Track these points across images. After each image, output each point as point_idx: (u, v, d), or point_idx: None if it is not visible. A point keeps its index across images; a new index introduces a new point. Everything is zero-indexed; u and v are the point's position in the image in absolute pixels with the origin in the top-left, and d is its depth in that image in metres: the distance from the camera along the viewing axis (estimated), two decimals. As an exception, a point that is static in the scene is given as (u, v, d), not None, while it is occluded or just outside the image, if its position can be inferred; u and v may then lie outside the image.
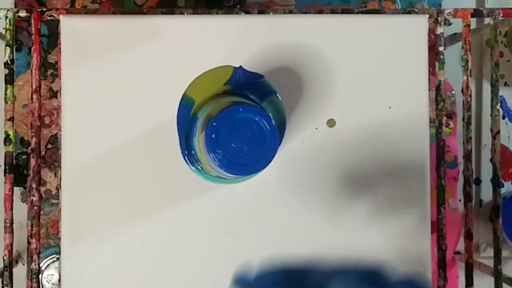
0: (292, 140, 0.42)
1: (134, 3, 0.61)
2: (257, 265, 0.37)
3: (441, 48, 0.46)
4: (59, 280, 0.42)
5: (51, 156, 0.60)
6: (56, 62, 0.61)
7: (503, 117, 0.66)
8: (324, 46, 0.43)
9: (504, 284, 0.47)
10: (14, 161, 0.44)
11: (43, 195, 0.60)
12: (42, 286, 0.59)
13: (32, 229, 0.43)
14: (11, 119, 0.44)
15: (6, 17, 0.44)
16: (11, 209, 0.44)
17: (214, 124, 0.33)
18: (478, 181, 0.65)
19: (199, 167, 0.40)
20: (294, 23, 0.43)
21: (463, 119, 0.47)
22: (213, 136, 0.34)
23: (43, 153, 0.60)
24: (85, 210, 0.41)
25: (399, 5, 0.63)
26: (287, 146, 0.42)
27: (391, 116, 0.43)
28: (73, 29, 0.42)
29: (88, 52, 0.42)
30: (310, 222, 0.42)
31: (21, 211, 0.60)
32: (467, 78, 0.46)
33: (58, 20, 0.42)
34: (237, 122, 0.34)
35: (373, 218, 0.43)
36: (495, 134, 0.47)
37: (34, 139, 0.43)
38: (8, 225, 0.43)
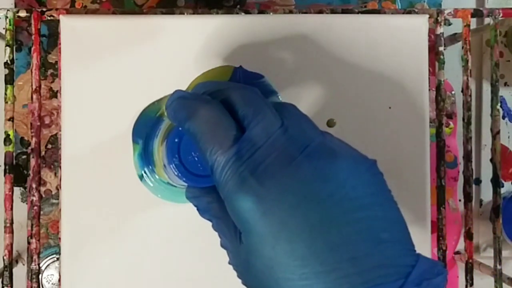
0: (292, 140, 0.42)
1: (134, 3, 0.61)
2: None
3: (441, 48, 0.46)
4: (59, 280, 0.42)
5: (51, 156, 0.60)
6: (56, 62, 0.61)
7: (503, 117, 0.66)
8: (324, 46, 0.43)
9: (504, 284, 0.47)
10: (14, 161, 0.44)
11: (43, 195, 0.60)
12: (42, 286, 0.59)
13: (32, 229, 0.43)
14: (11, 119, 0.44)
15: (6, 17, 0.44)
16: (11, 209, 0.44)
17: (180, 129, 0.33)
18: (478, 181, 0.65)
19: (152, 169, 0.39)
20: (294, 23, 0.43)
21: (463, 119, 0.47)
22: (175, 140, 0.33)
23: (43, 153, 0.60)
24: (85, 210, 0.41)
25: (399, 5, 0.63)
26: (287, 146, 0.42)
27: (391, 116, 0.43)
28: (73, 29, 0.42)
29: (88, 52, 0.42)
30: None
31: (21, 211, 0.60)
32: (467, 78, 0.46)
33: (58, 20, 0.42)
34: None
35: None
36: (495, 134, 0.47)
37: (34, 139, 0.43)
38: (8, 225, 0.43)
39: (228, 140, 0.29)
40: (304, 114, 0.31)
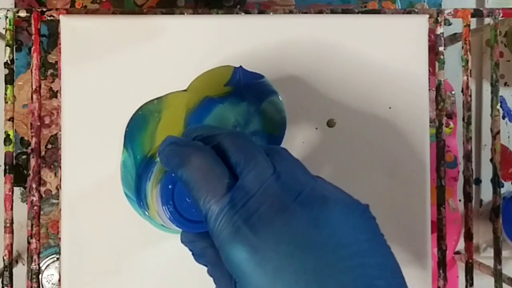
0: (292, 140, 0.42)
1: (134, 3, 0.61)
2: None
3: (441, 48, 0.46)
4: (59, 280, 0.42)
5: (51, 156, 0.60)
6: (56, 62, 0.61)
7: (503, 117, 0.66)
8: (324, 46, 0.43)
9: (504, 284, 0.47)
10: (14, 161, 0.44)
11: (43, 195, 0.60)
12: (42, 286, 0.59)
13: (32, 229, 0.43)
14: (11, 119, 0.44)
15: (6, 17, 0.44)
16: (11, 209, 0.44)
17: (173, 175, 0.32)
18: (478, 181, 0.65)
19: (145, 210, 0.39)
20: (294, 23, 0.43)
21: (463, 119, 0.47)
22: (169, 187, 0.33)
23: (43, 153, 0.60)
24: (85, 210, 0.41)
25: (399, 5, 0.63)
26: (288, 146, 0.42)
27: (391, 116, 0.43)
28: (73, 29, 0.42)
29: (88, 52, 0.42)
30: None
31: (21, 211, 0.60)
32: (467, 78, 0.46)
33: (58, 20, 0.42)
34: None
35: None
36: (495, 134, 0.47)
37: (34, 139, 0.43)
38: (8, 225, 0.43)
39: (221, 189, 0.29)
40: (295, 159, 0.31)
